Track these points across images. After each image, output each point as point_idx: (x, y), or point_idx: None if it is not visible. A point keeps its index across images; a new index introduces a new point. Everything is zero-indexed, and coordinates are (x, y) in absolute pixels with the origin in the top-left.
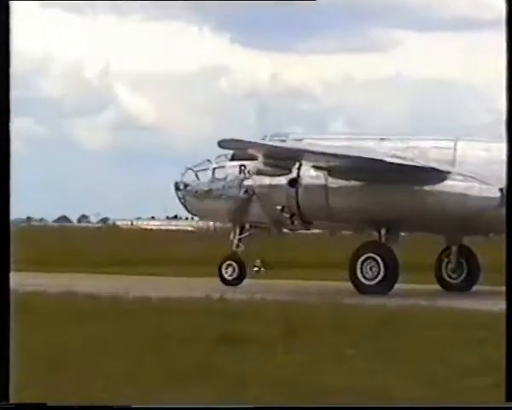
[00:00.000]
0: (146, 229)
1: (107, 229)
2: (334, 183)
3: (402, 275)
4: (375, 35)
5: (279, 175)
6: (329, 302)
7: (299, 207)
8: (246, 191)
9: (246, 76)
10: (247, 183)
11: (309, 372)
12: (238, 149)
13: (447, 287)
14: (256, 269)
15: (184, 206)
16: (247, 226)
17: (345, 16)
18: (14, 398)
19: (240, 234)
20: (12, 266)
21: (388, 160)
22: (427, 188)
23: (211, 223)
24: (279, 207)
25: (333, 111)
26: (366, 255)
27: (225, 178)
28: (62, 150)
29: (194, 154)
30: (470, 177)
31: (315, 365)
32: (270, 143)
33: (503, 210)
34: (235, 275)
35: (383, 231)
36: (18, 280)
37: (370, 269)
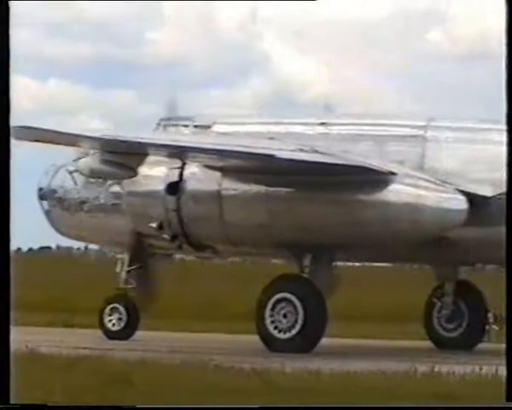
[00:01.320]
0: None
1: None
2: (230, 188)
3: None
4: None
5: (121, 178)
6: None
7: (182, 223)
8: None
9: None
10: (114, 189)
11: None
12: (41, 141)
13: (440, 343)
14: None
15: (51, 223)
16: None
17: None
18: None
19: (130, 264)
20: None
21: (281, 155)
22: (362, 197)
23: None
24: (154, 225)
25: None
26: (279, 296)
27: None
28: None
29: None
30: (426, 180)
31: None
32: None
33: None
34: (121, 324)
35: (306, 261)
36: None
37: (284, 316)
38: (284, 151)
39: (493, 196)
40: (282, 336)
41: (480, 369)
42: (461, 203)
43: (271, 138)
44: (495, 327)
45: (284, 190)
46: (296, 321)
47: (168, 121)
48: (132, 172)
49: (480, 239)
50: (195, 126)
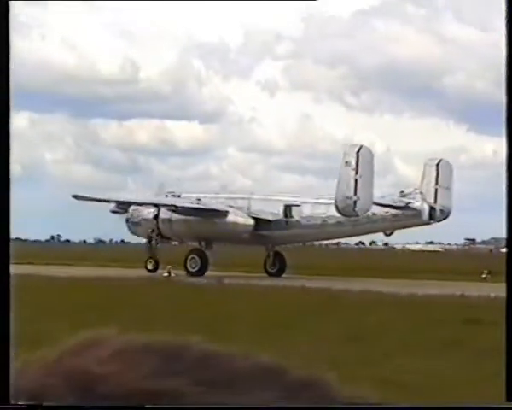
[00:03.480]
0: (413, 250)
1: (388, 250)
2: (174, 217)
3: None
4: None
5: (124, 213)
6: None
7: (159, 230)
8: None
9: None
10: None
11: None
12: (89, 201)
13: (269, 274)
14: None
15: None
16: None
17: None
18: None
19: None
20: None
21: (180, 205)
22: (217, 220)
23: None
24: (150, 230)
25: None
26: (192, 255)
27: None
28: None
29: None
30: (241, 213)
31: None
32: (108, 198)
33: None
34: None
35: (202, 244)
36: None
37: (194, 263)
38: (184, 203)
39: (273, 220)
40: (193, 270)
41: None
42: (250, 222)
43: (196, 199)
44: None
45: (191, 217)
46: (197, 265)
47: (168, 192)
48: (126, 211)
49: (270, 235)
50: (176, 195)
